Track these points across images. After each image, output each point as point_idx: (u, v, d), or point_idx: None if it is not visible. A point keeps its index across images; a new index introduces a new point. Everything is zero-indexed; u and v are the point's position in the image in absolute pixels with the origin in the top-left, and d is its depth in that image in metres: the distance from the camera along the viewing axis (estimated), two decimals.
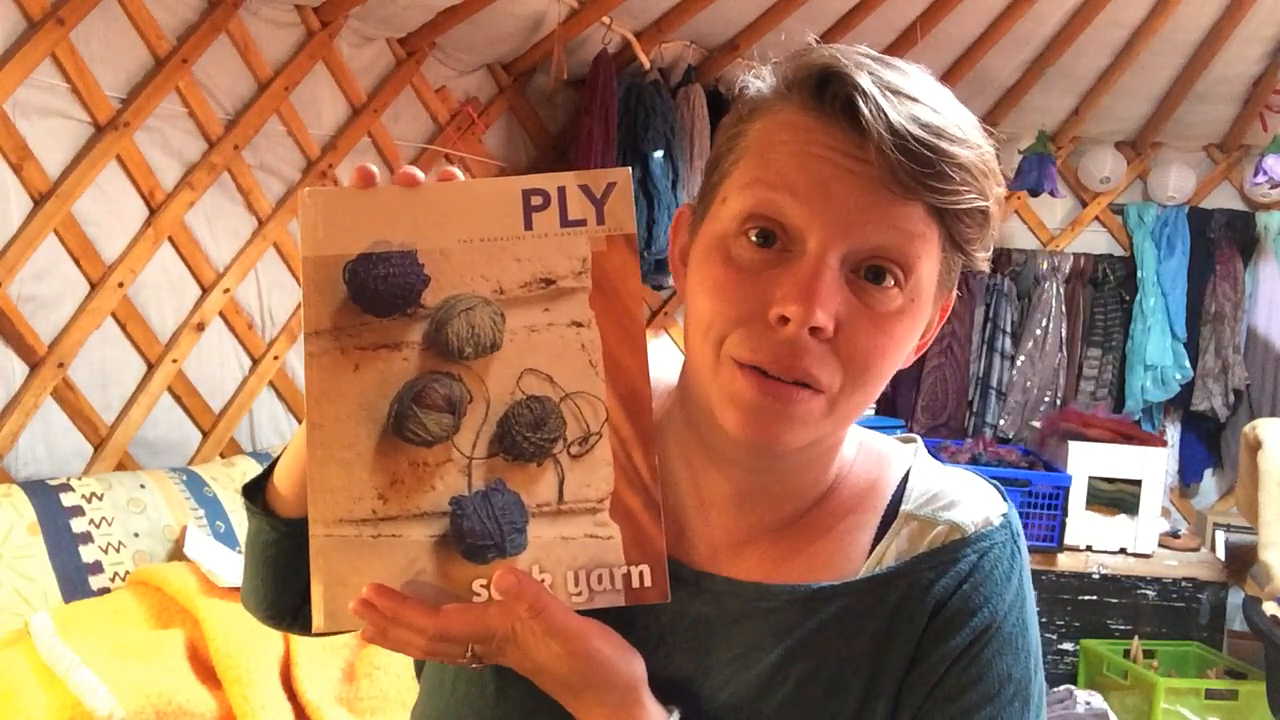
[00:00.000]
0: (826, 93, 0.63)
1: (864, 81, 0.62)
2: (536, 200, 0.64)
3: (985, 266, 0.69)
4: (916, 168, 0.61)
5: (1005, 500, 0.74)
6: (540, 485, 0.62)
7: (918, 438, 0.80)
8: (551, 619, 0.60)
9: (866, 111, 0.61)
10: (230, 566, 2.01)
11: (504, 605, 0.61)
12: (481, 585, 0.61)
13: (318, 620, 0.62)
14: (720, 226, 0.66)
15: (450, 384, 0.62)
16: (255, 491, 0.77)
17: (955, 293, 0.72)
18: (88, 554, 2.01)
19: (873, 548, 0.72)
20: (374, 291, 0.62)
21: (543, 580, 0.62)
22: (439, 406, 0.62)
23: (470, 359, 0.63)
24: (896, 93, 0.62)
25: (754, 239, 0.64)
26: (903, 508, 0.73)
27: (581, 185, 0.64)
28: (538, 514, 0.62)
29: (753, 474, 0.71)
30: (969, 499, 0.73)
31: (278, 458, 0.75)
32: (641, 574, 0.62)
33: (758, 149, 0.66)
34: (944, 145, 0.61)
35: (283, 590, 0.78)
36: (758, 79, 0.69)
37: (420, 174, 0.64)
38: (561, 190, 0.64)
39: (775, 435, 0.65)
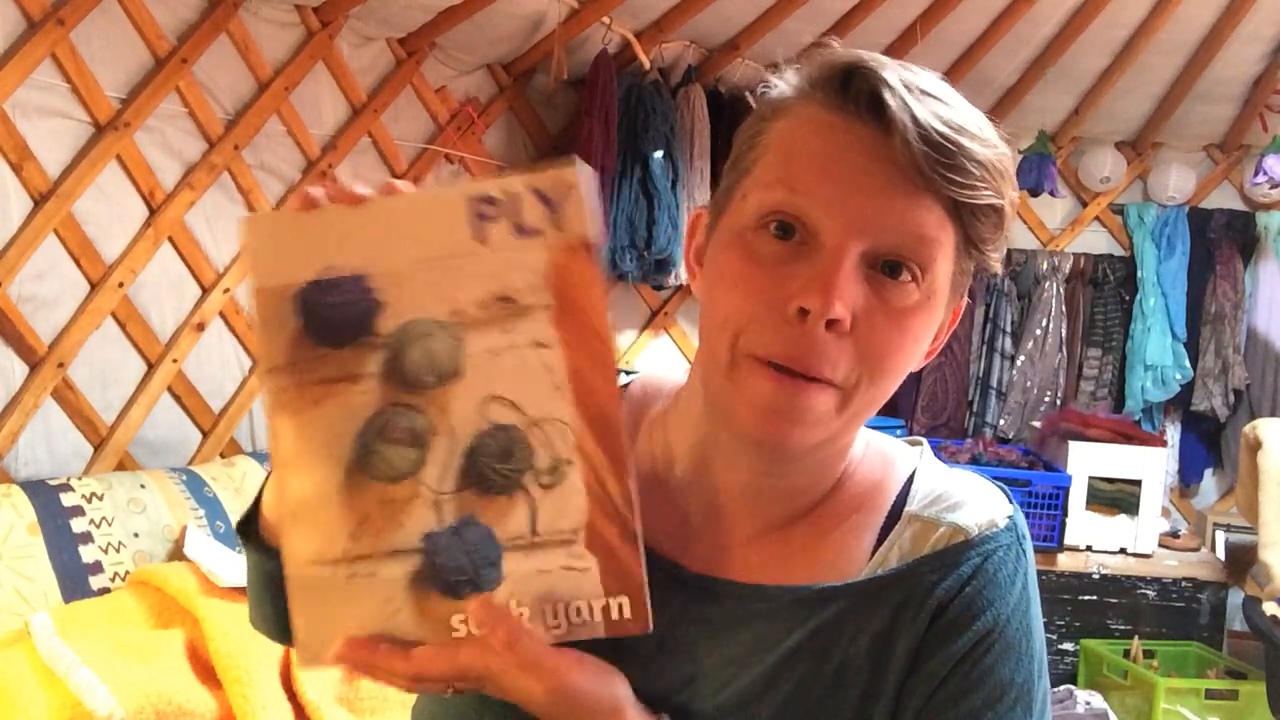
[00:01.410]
0: (851, 89, 0.64)
1: (889, 77, 0.62)
2: (487, 210, 0.59)
3: (998, 268, 0.70)
4: (939, 159, 0.61)
5: (1011, 503, 0.74)
6: (512, 518, 0.60)
7: (924, 440, 0.80)
8: (525, 654, 0.59)
9: (892, 104, 0.61)
10: (230, 566, 2.01)
11: (476, 644, 0.60)
12: (460, 620, 0.60)
13: (302, 659, 0.61)
14: (740, 221, 0.66)
15: (413, 416, 0.59)
16: (249, 524, 0.75)
17: (965, 299, 0.73)
18: (88, 554, 2.01)
19: (876, 548, 0.72)
20: (326, 321, 0.59)
21: (519, 615, 0.60)
22: (402, 440, 0.59)
23: (431, 388, 0.59)
24: (919, 91, 0.63)
25: (774, 231, 0.64)
26: (907, 508, 0.73)
27: (534, 189, 0.59)
28: (511, 547, 0.60)
29: (762, 473, 0.71)
30: (974, 501, 0.73)
31: (262, 488, 0.73)
32: (620, 606, 0.60)
33: (780, 147, 0.66)
34: (964, 141, 0.62)
35: None
36: (781, 80, 0.69)
37: (365, 190, 0.60)
38: (513, 196, 0.59)
39: (789, 433, 0.65)
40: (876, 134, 0.63)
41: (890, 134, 0.62)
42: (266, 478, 0.73)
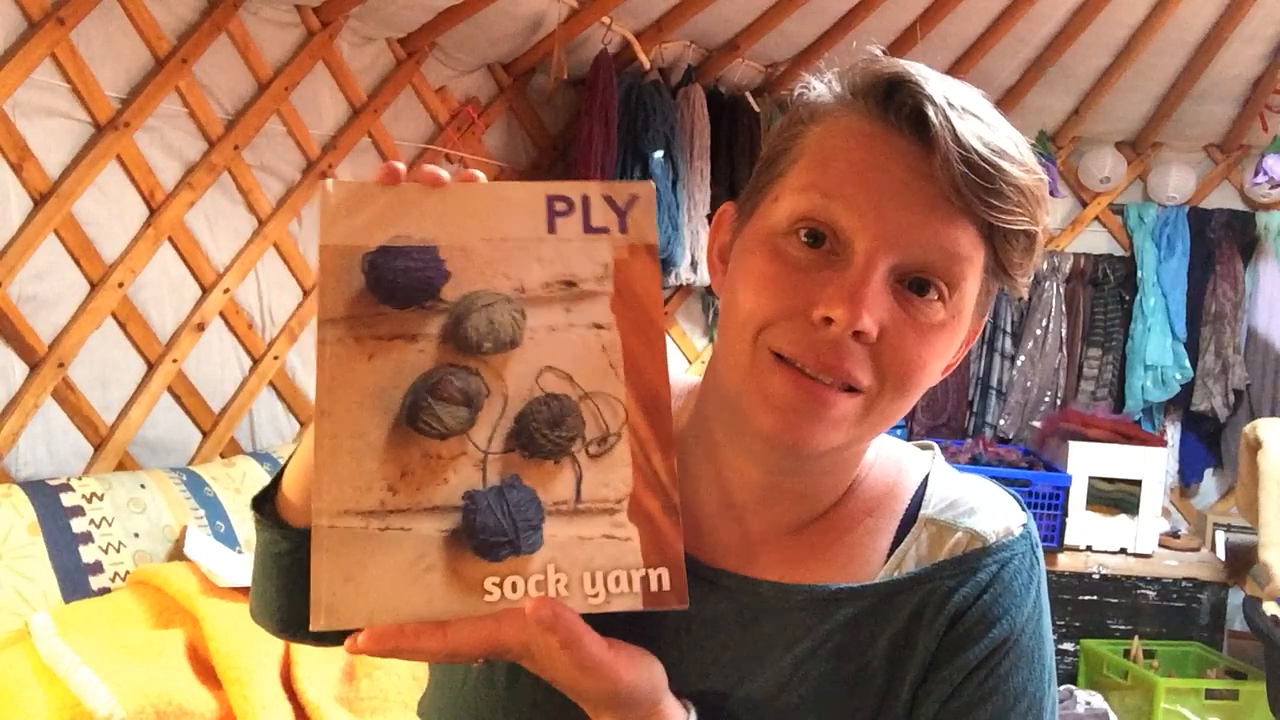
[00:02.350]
0: (894, 101, 0.64)
1: (933, 93, 0.62)
2: (560, 206, 0.63)
3: (1025, 292, 0.70)
4: (979, 182, 0.61)
5: (1024, 510, 0.75)
6: (557, 483, 0.61)
7: (935, 445, 0.81)
8: (582, 652, 0.58)
9: (936, 121, 0.61)
10: (230, 566, 2.01)
11: (517, 619, 0.58)
12: (494, 583, 0.59)
13: (316, 617, 0.58)
14: (770, 224, 0.66)
15: (467, 378, 0.61)
16: (264, 503, 0.75)
17: (985, 320, 0.73)
18: (88, 554, 2.01)
19: (890, 552, 0.72)
20: (392, 283, 0.61)
21: (558, 580, 0.60)
22: (455, 399, 0.61)
23: (489, 354, 0.61)
24: (962, 109, 0.63)
25: (804, 238, 0.64)
26: (922, 512, 0.73)
27: (605, 195, 0.63)
28: (554, 512, 0.60)
29: (777, 474, 0.72)
30: (989, 507, 0.73)
31: (284, 467, 0.74)
32: (660, 577, 0.60)
33: (817, 153, 0.66)
34: (1004, 165, 0.62)
35: (297, 600, 0.75)
36: (820, 83, 0.69)
37: (445, 174, 0.63)
38: (585, 199, 0.63)
39: (807, 436, 0.65)
40: (917, 149, 0.62)
41: (931, 151, 0.61)
42: (290, 457, 0.73)
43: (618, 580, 0.60)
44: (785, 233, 0.65)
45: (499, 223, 0.63)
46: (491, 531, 0.60)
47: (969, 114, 0.63)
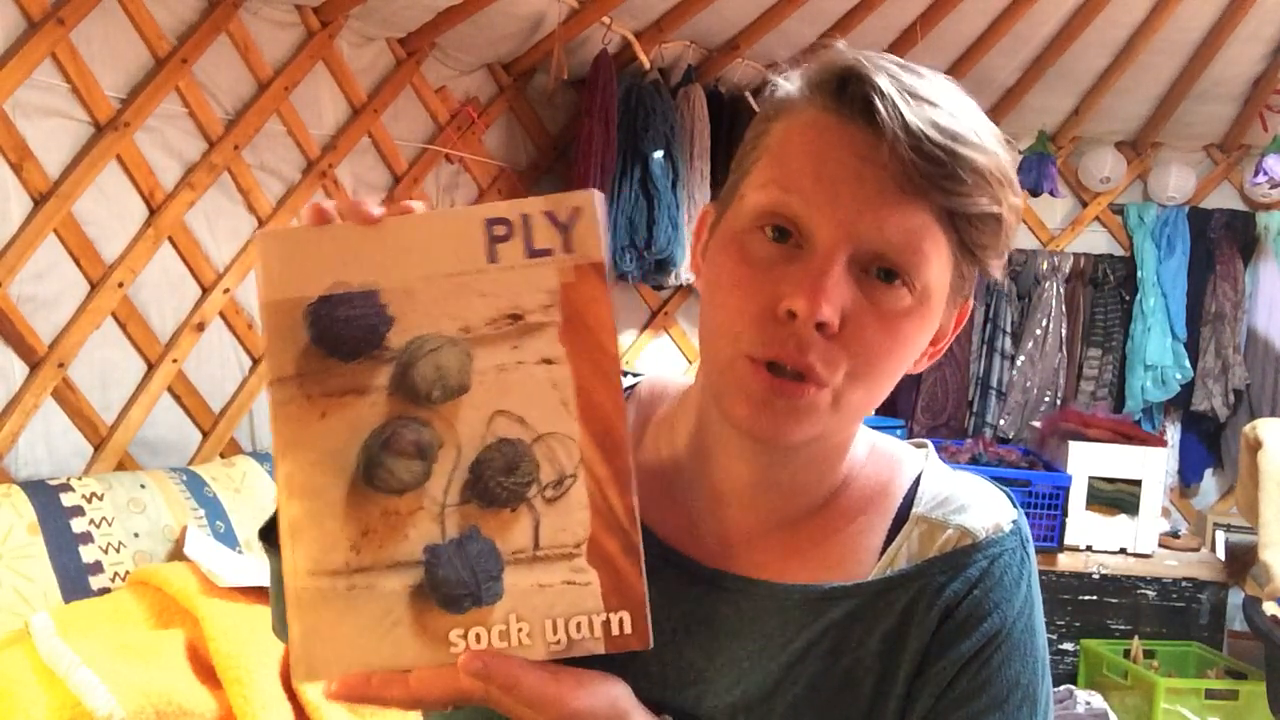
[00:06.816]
0: (846, 93, 0.64)
1: (882, 82, 0.63)
2: (500, 230, 0.61)
3: (998, 274, 0.70)
4: (929, 167, 0.62)
5: (1015, 506, 0.75)
6: (515, 531, 0.60)
7: (929, 443, 0.81)
8: (526, 693, 0.59)
9: (883, 110, 0.62)
10: (230, 566, 2.01)
11: None
12: (458, 635, 0.59)
13: (298, 672, 0.60)
14: (738, 223, 0.68)
15: (419, 429, 0.60)
16: (270, 530, 0.75)
17: (970, 302, 0.73)
18: (88, 554, 2.01)
19: (883, 549, 0.73)
20: (336, 335, 0.60)
21: (520, 629, 0.59)
22: (408, 453, 0.60)
23: (439, 402, 0.60)
24: (915, 96, 0.63)
25: (769, 234, 0.65)
26: (914, 510, 0.74)
27: (546, 211, 0.61)
28: (513, 561, 0.60)
29: (762, 468, 0.72)
30: (980, 504, 0.74)
31: None
32: (621, 621, 0.59)
33: (776, 149, 0.67)
34: (959, 149, 0.62)
35: None
36: (786, 81, 0.70)
37: (377, 209, 0.61)
38: (526, 219, 0.61)
39: (781, 428, 0.66)
40: (870, 138, 0.63)
41: (882, 139, 0.62)
42: None
43: (579, 626, 0.60)
44: (751, 229, 0.66)
45: (438, 258, 0.61)
46: (453, 585, 0.60)
47: (924, 102, 0.63)
